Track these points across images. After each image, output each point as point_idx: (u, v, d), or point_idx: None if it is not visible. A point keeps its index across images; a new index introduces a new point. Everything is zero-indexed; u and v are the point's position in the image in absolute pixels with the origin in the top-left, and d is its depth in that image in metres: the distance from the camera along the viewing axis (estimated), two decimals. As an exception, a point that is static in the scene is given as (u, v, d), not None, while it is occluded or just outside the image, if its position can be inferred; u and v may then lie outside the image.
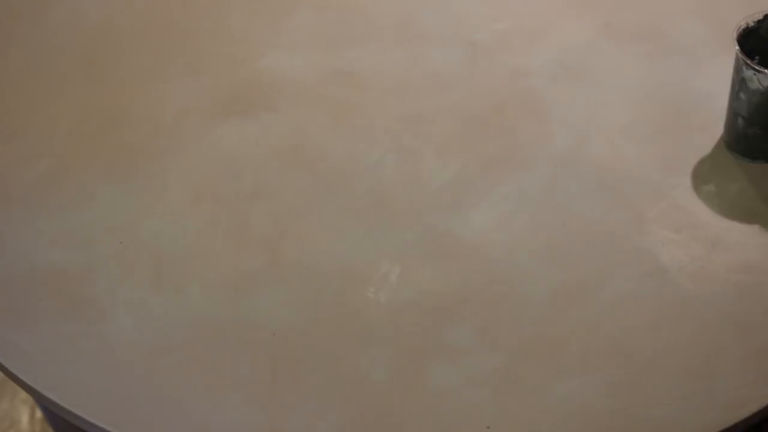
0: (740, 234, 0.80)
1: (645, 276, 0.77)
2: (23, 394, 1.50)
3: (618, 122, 0.90)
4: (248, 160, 0.88)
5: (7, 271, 0.80)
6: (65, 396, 0.71)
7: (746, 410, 0.68)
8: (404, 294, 0.77)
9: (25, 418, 1.51)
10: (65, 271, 0.80)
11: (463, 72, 0.96)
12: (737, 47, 0.81)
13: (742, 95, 0.82)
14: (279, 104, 0.93)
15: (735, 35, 0.81)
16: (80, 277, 0.79)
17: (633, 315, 0.75)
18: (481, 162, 0.87)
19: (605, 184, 0.85)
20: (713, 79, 0.92)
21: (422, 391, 0.71)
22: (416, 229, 0.82)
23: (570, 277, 0.78)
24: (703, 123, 0.89)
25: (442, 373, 0.72)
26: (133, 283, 0.79)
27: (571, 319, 0.75)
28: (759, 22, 0.83)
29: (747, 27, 0.82)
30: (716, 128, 0.87)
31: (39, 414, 1.49)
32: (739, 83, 0.82)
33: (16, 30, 1.04)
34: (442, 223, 0.82)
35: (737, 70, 0.82)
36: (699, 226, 0.81)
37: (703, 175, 0.85)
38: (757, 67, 0.79)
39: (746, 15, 0.83)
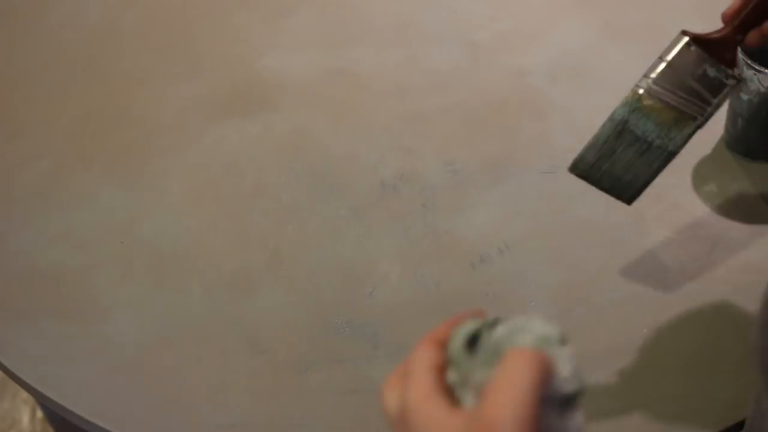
0: (740, 234, 0.80)
1: (645, 276, 0.77)
2: (24, 394, 1.50)
3: (618, 122, 0.90)
4: (248, 159, 0.88)
5: (7, 271, 0.80)
6: (65, 396, 0.71)
7: (746, 410, 0.68)
8: (404, 294, 0.77)
9: (25, 418, 1.51)
10: (65, 271, 0.80)
11: (463, 71, 0.96)
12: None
13: (742, 95, 0.82)
14: (279, 104, 0.93)
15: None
16: (80, 277, 0.79)
17: (633, 315, 0.75)
18: (481, 162, 0.87)
19: (605, 184, 0.85)
20: (713, 79, 0.92)
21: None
22: (416, 229, 0.82)
23: (570, 277, 0.78)
24: (703, 123, 0.89)
25: (442, 373, 0.72)
26: (133, 283, 0.79)
27: (571, 319, 0.75)
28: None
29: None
30: (716, 128, 0.87)
31: (40, 414, 1.50)
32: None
33: (16, 30, 1.04)
34: (442, 223, 0.82)
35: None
36: (699, 226, 0.81)
37: (703, 175, 0.85)
38: (757, 68, 0.79)
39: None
